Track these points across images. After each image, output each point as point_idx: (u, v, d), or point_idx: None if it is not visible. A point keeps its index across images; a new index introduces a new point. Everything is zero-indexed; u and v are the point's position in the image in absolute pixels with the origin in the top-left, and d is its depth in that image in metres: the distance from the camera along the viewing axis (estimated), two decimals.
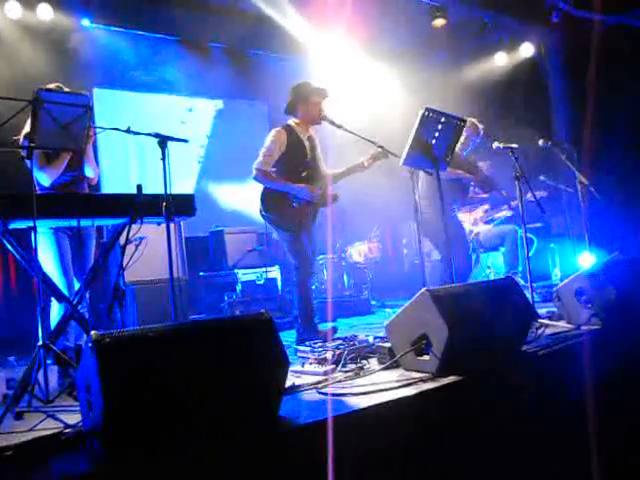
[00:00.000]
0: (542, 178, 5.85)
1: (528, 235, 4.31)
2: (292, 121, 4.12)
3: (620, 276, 3.50)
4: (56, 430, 2.08)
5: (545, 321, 3.59)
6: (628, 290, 3.43)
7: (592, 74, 6.15)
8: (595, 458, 2.65)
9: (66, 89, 3.39)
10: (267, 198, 3.97)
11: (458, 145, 4.91)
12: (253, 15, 6.68)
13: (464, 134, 4.92)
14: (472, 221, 5.82)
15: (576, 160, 5.96)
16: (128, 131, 3.17)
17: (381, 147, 4.00)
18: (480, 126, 5.03)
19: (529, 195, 4.76)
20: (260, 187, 4.02)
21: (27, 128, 2.92)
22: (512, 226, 5.59)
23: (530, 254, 4.55)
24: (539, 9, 7.06)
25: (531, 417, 2.64)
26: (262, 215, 4.02)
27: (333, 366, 2.82)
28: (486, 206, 5.90)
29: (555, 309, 3.77)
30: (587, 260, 5.26)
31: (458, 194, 5.14)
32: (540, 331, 3.31)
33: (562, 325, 3.52)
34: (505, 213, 5.89)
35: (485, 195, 5.60)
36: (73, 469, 1.74)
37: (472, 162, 5.15)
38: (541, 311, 3.84)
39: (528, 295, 3.50)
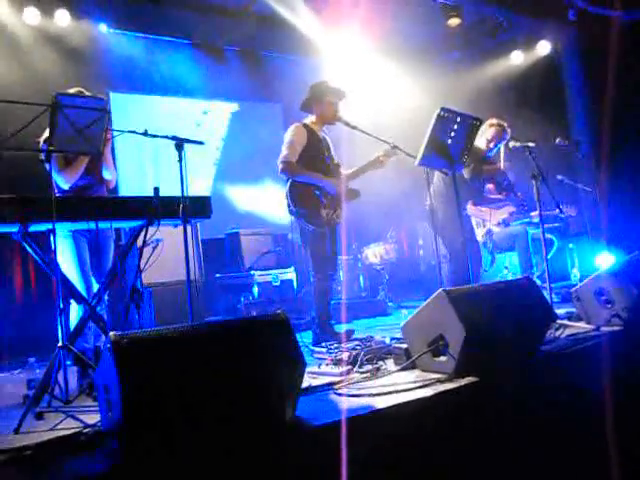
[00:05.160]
0: (560, 177, 5.78)
1: (548, 236, 4.26)
2: (308, 119, 4.12)
3: None
4: (75, 430, 2.11)
5: (564, 322, 3.55)
6: None
7: (610, 71, 6.07)
8: (614, 462, 2.61)
9: (87, 93, 3.43)
10: (295, 192, 3.90)
11: (483, 146, 4.91)
12: (267, 17, 6.70)
13: (491, 136, 4.91)
14: (494, 221, 5.74)
15: (594, 159, 5.89)
16: (145, 134, 3.20)
17: (396, 147, 3.98)
18: (509, 130, 4.98)
19: (556, 211, 4.73)
20: (280, 188, 4.01)
21: (47, 132, 2.96)
22: (522, 227, 5.50)
23: (550, 255, 4.50)
24: (555, 6, 6.98)
25: (549, 419, 2.61)
26: (290, 211, 3.93)
27: (349, 367, 2.82)
28: (512, 208, 5.82)
29: (574, 310, 3.73)
30: (606, 260, 5.19)
31: (473, 193, 5.11)
32: (559, 332, 3.28)
33: (581, 326, 3.48)
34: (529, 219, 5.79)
35: (500, 196, 5.55)
36: (92, 468, 1.76)
37: (492, 163, 5.13)
38: (560, 311, 3.80)
39: (547, 295, 3.46)
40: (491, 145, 4.95)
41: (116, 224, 3.27)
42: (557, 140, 5.18)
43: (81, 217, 2.87)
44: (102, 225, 3.05)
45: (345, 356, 2.91)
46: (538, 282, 4.29)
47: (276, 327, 2.14)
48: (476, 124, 3.67)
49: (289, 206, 3.92)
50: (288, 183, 3.93)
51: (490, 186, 5.36)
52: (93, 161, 3.53)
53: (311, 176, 3.92)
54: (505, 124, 4.97)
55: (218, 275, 6.26)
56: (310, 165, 3.95)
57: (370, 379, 2.65)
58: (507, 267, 5.98)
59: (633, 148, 6.48)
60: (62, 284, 2.79)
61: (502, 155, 5.37)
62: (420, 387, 2.42)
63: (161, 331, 1.90)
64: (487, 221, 5.65)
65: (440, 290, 2.64)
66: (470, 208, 5.30)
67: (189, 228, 3.06)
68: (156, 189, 2.95)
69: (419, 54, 7.69)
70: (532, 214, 5.62)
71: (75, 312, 3.30)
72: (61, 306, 2.71)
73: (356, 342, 3.29)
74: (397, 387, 2.43)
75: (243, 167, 7.46)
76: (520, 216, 5.76)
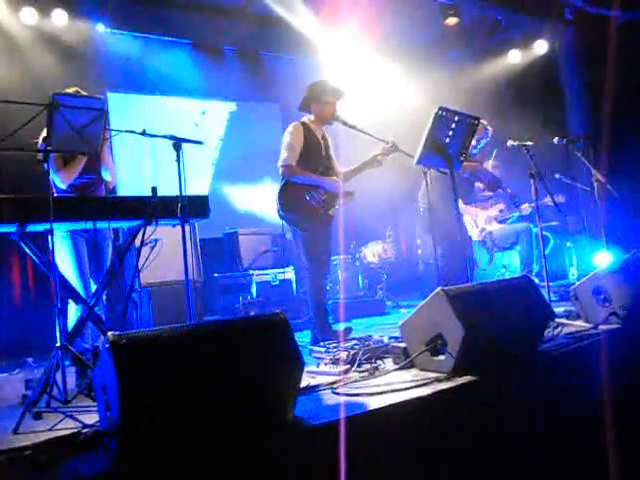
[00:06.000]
0: (557, 176, 5.79)
1: (544, 233, 4.28)
2: (306, 118, 4.13)
3: (639, 274, 3.46)
4: (74, 430, 2.10)
5: (562, 320, 3.55)
6: None
7: (607, 70, 6.07)
8: (612, 461, 2.61)
9: (83, 93, 3.43)
10: (284, 197, 3.93)
11: None
12: (266, 17, 6.71)
13: None
14: (485, 219, 5.77)
15: (592, 157, 5.89)
16: (143, 134, 3.20)
17: (394, 146, 3.99)
18: (490, 128, 5.02)
19: (547, 199, 4.74)
20: (275, 188, 4.02)
21: (45, 132, 2.96)
22: (526, 224, 5.54)
23: (546, 252, 4.51)
24: (553, 6, 7.00)
25: (547, 418, 2.61)
26: (279, 215, 3.98)
27: (348, 366, 2.82)
28: (501, 205, 5.85)
29: (572, 308, 3.73)
30: (604, 258, 5.20)
31: (465, 190, 5.12)
32: (557, 330, 3.27)
33: (580, 324, 3.48)
34: (519, 212, 5.84)
35: (490, 193, 5.57)
36: (90, 469, 1.76)
37: (479, 161, 5.16)
38: (558, 310, 3.80)
39: (545, 294, 3.46)
40: (473, 143, 4.97)
41: (114, 224, 3.26)
42: (555, 139, 5.20)
43: (79, 217, 2.87)
44: (100, 225, 3.05)
45: (343, 355, 2.91)
46: (536, 280, 4.30)
47: (275, 327, 2.13)
48: (474, 123, 3.68)
49: (278, 211, 3.97)
50: (279, 187, 3.96)
51: (479, 185, 5.38)
52: (92, 160, 3.53)
53: (312, 177, 3.94)
54: (485, 122, 5.00)
55: (216, 275, 6.25)
56: (308, 163, 3.96)
57: (368, 378, 2.64)
58: (505, 266, 6.00)
59: (631, 147, 6.49)
60: (60, 284, 2.79)
61: (494, 154, 5.41)
62: (418, 386, 2.42)
63: (160, 331, 1.89)
64: (476, 218, 5.68)
65: (438, 289, 2.64)
66: (461, 207, 5.31)
67: (187, 228, 3.06)
68: (154, 189, 2.95)
69: (418, 53, 7.70)
70: (522, 207, 5.65)
71: (73, 312, 3.30)
72: (59, 306, 2.70)
73: (354, 341, 3.29)
74: (395, 386, 2.43)
75: (241, 167, 7.46)
76: (510, 212, 5.79)
